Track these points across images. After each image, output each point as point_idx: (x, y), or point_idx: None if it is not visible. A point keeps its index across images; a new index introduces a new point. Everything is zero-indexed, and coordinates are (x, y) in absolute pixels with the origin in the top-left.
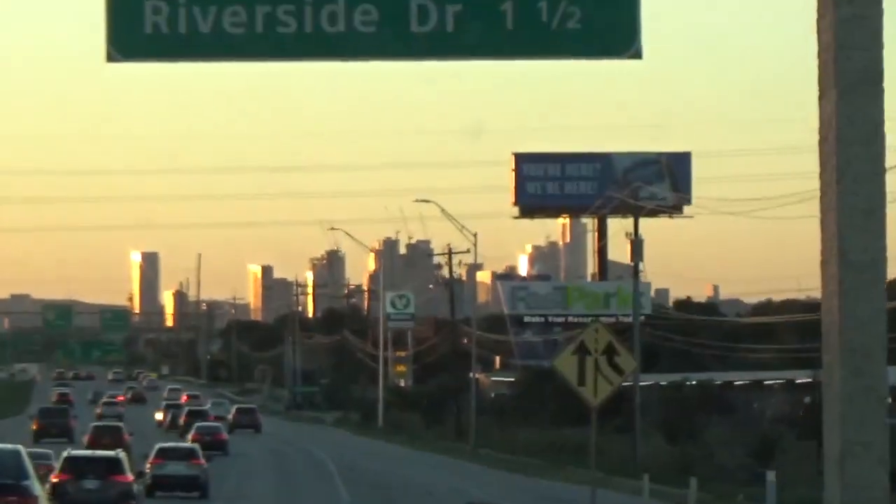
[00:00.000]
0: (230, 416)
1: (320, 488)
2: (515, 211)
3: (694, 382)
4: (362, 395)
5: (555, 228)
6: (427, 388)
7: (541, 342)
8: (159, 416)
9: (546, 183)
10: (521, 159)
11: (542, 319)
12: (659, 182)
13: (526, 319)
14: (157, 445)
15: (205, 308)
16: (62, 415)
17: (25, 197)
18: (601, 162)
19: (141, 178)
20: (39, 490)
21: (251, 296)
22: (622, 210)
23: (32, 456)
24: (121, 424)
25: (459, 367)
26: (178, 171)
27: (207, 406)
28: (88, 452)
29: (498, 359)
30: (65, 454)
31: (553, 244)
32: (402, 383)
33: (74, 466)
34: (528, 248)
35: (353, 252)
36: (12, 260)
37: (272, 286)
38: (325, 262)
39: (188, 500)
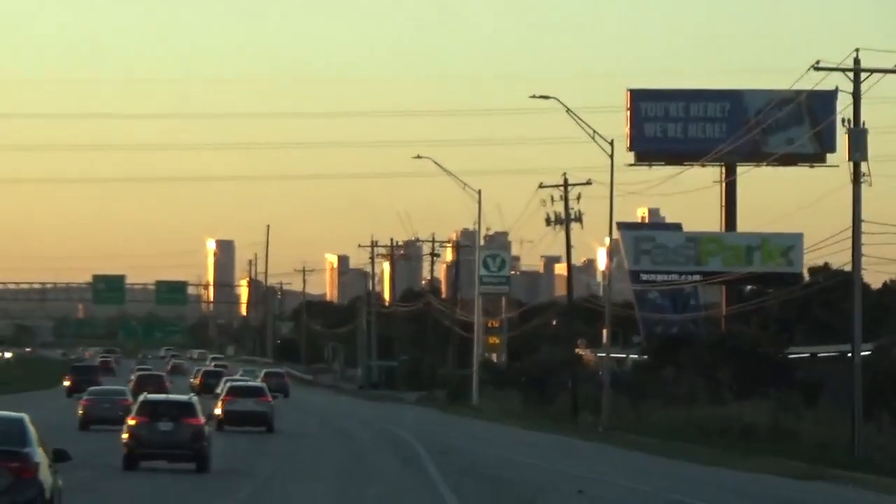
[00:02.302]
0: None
1: (409, 483)
2: (630, 157)
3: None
4: (449, 371)
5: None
6: (524, 363)
7: (670, 304)
8: (194, 380)
9: (667, 124)
10: (639, 97)
11: (672, 276)
12: (797, 124)
13: (652, 277)
14: (228, 384)
15: (277, 292)
16: (92, 372)
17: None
18: (730, 100)
19: (215, 165)
20: (41, 457)
21: (327, 286)
22: (753, 156)
23: (111, 393)
24: (163, 374)
25: (563, 340)
26: (252, 156)
27: (238, 372)
28: (163, 396)
29: (605, 332)
30: (141, 398)
31: None
32: (495, 358)
33: (150, 409)
34: (607, 241)
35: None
36: (92, 246)
37: (347, 272)
38: (402, 252)
39: (255, 434)
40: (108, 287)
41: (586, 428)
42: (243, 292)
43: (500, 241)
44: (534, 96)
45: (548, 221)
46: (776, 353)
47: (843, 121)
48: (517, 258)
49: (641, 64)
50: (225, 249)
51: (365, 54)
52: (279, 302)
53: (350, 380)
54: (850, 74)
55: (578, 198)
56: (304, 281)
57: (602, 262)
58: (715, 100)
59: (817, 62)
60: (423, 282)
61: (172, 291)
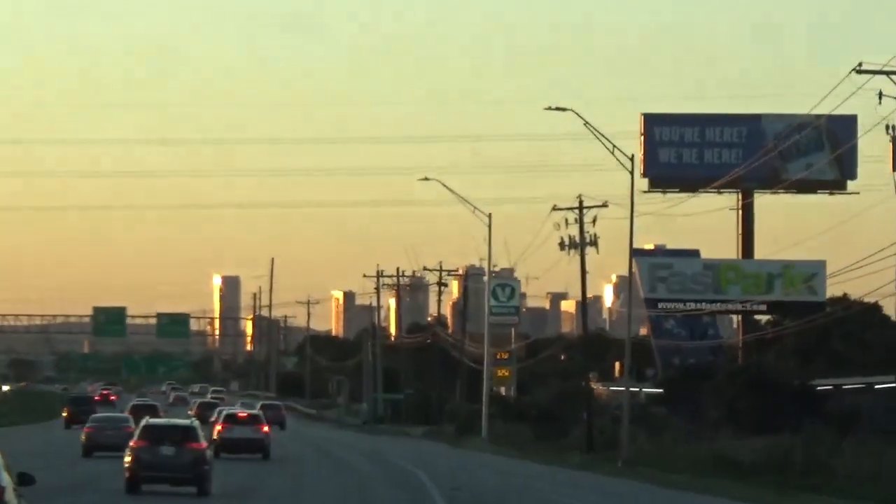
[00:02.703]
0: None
1: None
2: (644, 184)
3: None
4: (456, 405)
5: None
6: (535, 396)
7: (687, 335)
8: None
9: (682, 150)
10: (653, 121)
11: (689, 305)
12: (816, 150)
13: (667, 306)
14: (223, 413)
15: (281, 324)
16: (89, 403)
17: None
18: (748, 125)
19: (224, 209)
20: (7, 481)
21: (332, 322)
22: (771, 182)
23: (114, 420)
24: (156, 403)
25: (573, 373)
26: (256, 183)
27: (237, 405)
28: (165, 421)
29: (617, 366)
30: (143, 423)
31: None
32: (503, 391)
33: (152, 434)
34: (613, 278)
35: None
36: (93, 278)
37: (353, 308)
38: (407, 288)
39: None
40: (109, 319)
41: (604, 462)
42: (248, 327)
43: (505, 277)
44: (549, 108)
45: (562, 246)
46: (803, 384)
47: (887, 128)
48: (523, 295)
49: (655, 88)
50: (231, 286)
51: (369, 78)
52: (284, 336)
53: (355, 414)
54: None
55: (594, 221)
56: (309, 313)
57: (609, 299)
58: (732, 124)
59: (859, 64)
60: (430, 318)
61: (174, 324)
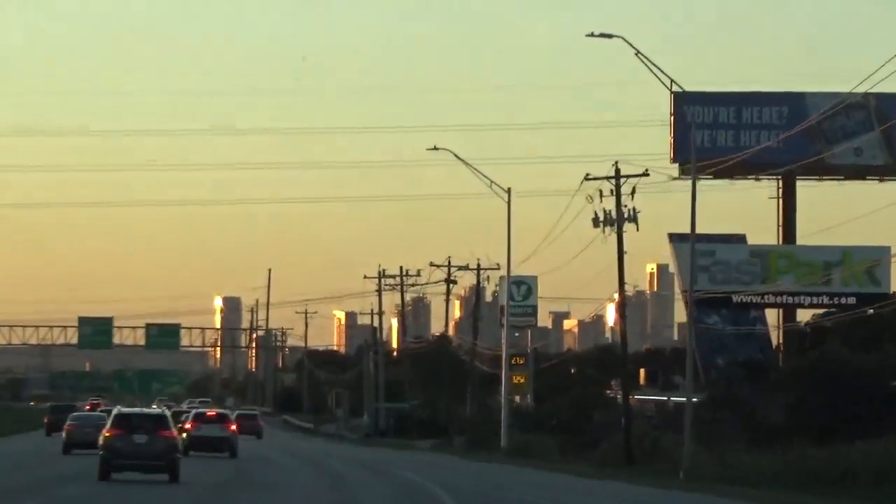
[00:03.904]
0: None
1: None
2: (674, 170)
3: None
4: (469, 414)
5: (642, 277)
6: (557, 403)
7: (731, 331)
8: None
9: (716, 132)
10: (684, 100)
11: (735, 298)
12: (865, 133)
13: (709, 297)
14: (193, 412)
15: (277, 337)
16: (69, 411)
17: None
18: (789, 104)
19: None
20: None
21: (334, 340)
22: (815, 168)
23: (94, 418)
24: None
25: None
26: (248, 204)
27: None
28: (137, 410)
29: (643, 372)
30: (115, 412)
31: (640, 293)
32: (518, 399)
33: (125, 422)
34: (615, 297)
35: (438, 302)
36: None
37: (354, 325)
38: (410, 308)
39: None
40: (95, 330)
41: (658, 475)
42: (243, 340)
43: (521, 276)
44: (592, 34)
45: (595, 222)
46: (885, 383)
47: None
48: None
49: (687, 67)
50: (232, 306)
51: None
52: (281, 345)
53: (355, 429)
54: None
55: (633, 193)
56: (307, 323)
57: (611, 318)
58: (771, 103)
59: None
60: (432, 335)
61: (164, 335)
